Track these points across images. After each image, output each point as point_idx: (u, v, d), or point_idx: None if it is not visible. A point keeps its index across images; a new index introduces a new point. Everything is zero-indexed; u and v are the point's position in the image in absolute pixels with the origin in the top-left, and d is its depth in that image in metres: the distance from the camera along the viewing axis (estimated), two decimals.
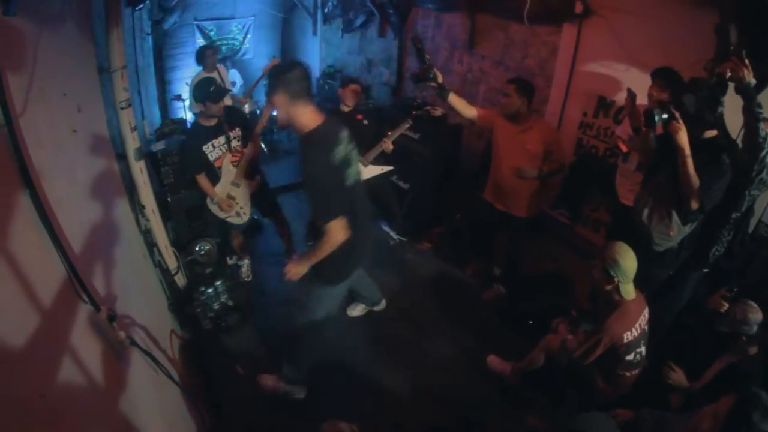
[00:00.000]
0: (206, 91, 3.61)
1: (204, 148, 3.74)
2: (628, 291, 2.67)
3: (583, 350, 2.75)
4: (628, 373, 2.77)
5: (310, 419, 3.09)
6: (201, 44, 7.57)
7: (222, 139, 3.80)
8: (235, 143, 3.86)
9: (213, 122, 3.74)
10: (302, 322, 3.04)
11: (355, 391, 3.40)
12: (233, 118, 3.90)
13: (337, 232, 2.52)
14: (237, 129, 3.87)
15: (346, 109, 4.40)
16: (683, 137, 2.54)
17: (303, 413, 3.22)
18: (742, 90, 2.47)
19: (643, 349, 2.77)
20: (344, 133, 2.63)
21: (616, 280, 2.63)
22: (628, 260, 2.62)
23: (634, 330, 2.67)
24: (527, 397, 3.38)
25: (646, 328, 2.77)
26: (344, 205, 2.55)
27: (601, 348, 2.68)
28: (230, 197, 3.91)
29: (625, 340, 2.66)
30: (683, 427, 2.17)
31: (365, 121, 4.41)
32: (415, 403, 3.34)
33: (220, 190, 3.87)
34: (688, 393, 2.79)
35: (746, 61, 2.41)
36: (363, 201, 2.83)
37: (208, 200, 3.92)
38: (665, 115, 2.59)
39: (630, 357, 2.71)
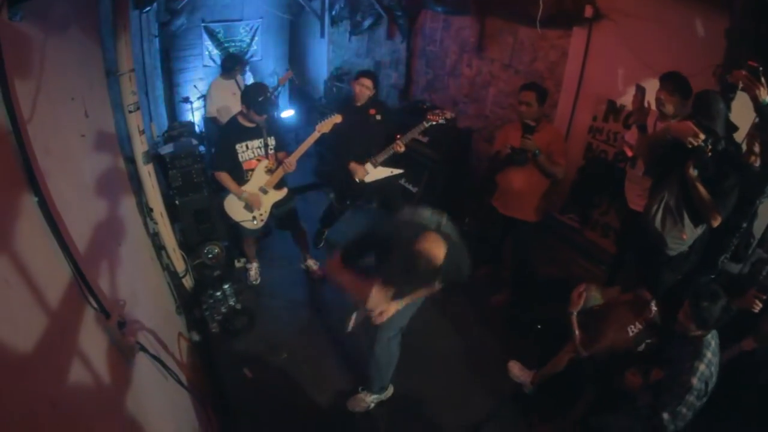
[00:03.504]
0: (254, 99, 3.54)
1: (237, 146, 3.70)
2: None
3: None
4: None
5: (317, 421, 3.11)
6: (208, 46, 7.60)
7: (257, 143, 3.75)
8: (270, 150, 3.82)
9: (252, 125, 3.69)
10: None
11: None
12: (272, 126, 3.83)
13: None
14: (273, 138, 3.81)
15: (358, 103, 4.26)
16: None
17: (311, 416, 3.22)
18: (759, 109, 2.47)
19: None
20: None
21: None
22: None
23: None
24: (537, 403, 3.36)
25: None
26: None
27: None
28: None
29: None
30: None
31: (378, 116, 4.28)
32: (420, 410, 3.32)
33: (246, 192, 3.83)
34: None
35: (762, 80, 2.38)
36: None
37: (228, 199, 3.87)
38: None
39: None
